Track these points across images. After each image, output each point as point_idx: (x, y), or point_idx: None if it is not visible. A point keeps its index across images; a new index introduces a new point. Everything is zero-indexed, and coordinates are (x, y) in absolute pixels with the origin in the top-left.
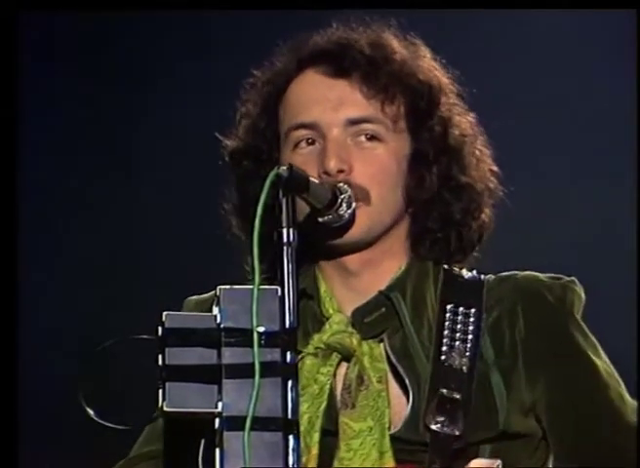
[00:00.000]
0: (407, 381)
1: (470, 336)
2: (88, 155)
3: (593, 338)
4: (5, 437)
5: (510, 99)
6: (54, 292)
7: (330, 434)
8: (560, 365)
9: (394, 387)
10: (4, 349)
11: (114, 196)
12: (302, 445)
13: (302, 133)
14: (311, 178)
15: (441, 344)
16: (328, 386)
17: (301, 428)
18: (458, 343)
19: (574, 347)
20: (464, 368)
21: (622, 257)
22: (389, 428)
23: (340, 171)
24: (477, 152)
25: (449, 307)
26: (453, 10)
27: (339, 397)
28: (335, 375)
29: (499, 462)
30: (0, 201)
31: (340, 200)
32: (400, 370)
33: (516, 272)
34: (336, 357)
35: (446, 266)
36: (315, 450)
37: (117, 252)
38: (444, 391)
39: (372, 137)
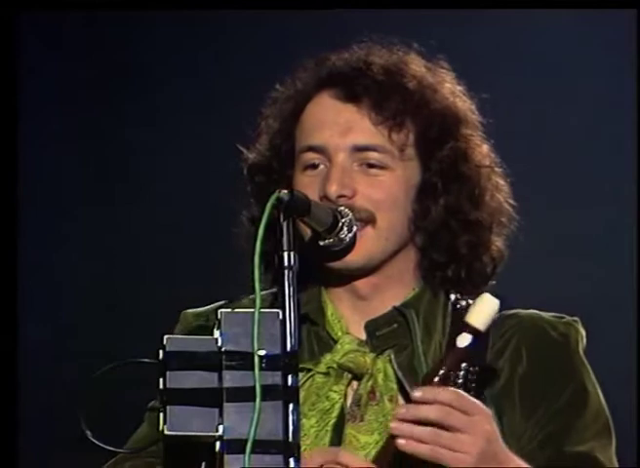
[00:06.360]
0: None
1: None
2: (88, 156)
3: (594, 379)
4: (4, 451)
5: (510, 100)
6: (53, 305)
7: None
8: (562, 399)
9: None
10: (4, 359)
11: (114, 199)
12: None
13: (311, 155)
14: (313, 202)
15: None
16: (339, 404)
17: (308, 441)
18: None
19: (578, 383)
20: None
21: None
22: None
23: (341, 196)
24: (493, 184)
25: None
26: (452, 10)
27: (347, 410)
28: (345, 394)
29: None
30: (0, 203)
31: (340, 223)
32: (406, 385)
33: (519, 310)
34: (347, 376)
35: (453, 297)
36: None
37: (117, 262)
38: None
39: (377, 165)
